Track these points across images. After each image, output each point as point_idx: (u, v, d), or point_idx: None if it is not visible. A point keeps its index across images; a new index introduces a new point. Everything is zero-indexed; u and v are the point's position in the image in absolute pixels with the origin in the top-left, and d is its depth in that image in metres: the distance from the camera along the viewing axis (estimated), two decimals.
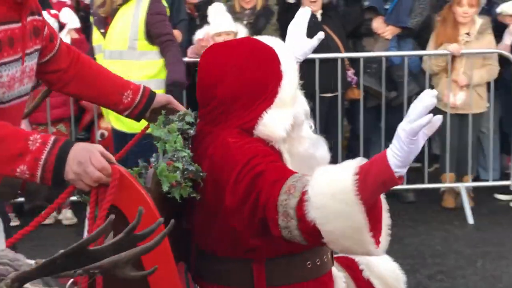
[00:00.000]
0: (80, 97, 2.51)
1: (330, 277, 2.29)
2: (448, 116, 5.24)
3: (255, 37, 2.31)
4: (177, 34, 5.00)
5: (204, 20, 5.20)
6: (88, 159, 1.84)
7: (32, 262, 1.49)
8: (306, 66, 5.18)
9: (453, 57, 5.28)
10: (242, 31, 5.18)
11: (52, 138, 1.86)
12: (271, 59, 2.20)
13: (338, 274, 2.35)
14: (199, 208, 2.11)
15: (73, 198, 5.08)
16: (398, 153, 1.74)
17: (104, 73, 2.48)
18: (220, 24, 5.09)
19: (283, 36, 5.68)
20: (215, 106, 2.18)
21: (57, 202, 1.96)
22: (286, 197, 1.92)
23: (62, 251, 1.39)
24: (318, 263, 2.24)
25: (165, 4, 4.66)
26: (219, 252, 2.16)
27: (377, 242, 1.88)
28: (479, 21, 5.32)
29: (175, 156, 2.08)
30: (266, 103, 2.16)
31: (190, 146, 2.20)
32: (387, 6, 5.51)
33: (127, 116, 2.47)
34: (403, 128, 1.73)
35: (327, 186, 1.87)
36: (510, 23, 5.41)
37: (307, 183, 1.90)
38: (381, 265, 2.47)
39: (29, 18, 2.11)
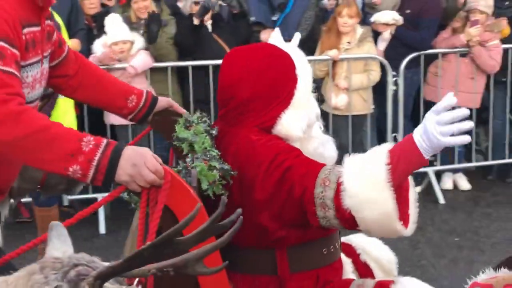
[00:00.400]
0: (88, 103, 2.53)
1: (341, 264, 2.36)
2: (330, 116, 5.47)
3: (270, 43, 2.35)
4: (76, 43, 4.94)
5: (101, 31, 5.20)
6: (142, 162, 1.85)
7: (106, 264, 1.45)
8: (200, 73, 5.30)
9: (334, 63, 5.51)
10: (138, 40, 5.21)
11: (105, 141, 1.86)
12: (288, 63, 2.25)
13: (346, 261, 2.41)
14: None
15: None
16: (428, 143, 1.86)
17: (109, 79, 2.48)
18: (117, 34, 5.13)
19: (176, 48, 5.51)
20: (234, 106, 2.22)
21: (105, 199, 1.99)
22: (322, 189, 1.98)
23: (149, 242, 1.38)
24: (332, 250, 2.29)
25: (59, 21, 4.55)
26: (244, 243, 2.14)
27: (406, 223, 1.97)
28: (360, 30, 5.58)
29: (208, 155, 2.10)
30: (284, 105, 2.20)
31: (214, 146, 2.22)
32: (274, 18, 5.67)
33: (131, 120, 2.48)
34: (432, 121, 1.84)
35: (360, 175, 1.94)
36: (383, 30, 5.73)
37: (340, 174, 1.97)
38: (376, 249, 2.55)
39: (46, 22, 2.11)
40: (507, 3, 5.97)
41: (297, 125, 2.19)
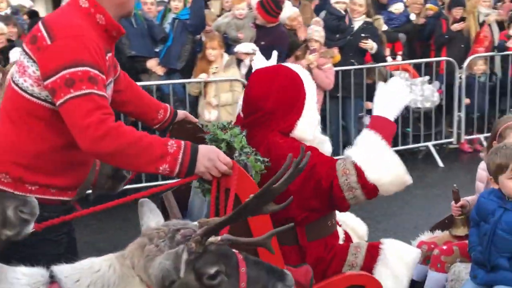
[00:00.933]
0: (129, 114, 2.69)
1: (337, 232, 2.67)
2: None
3: (284, 64, 2.67)
4: None
5: (7, 61, 5.39)
6: (216, 157, 2.06)
7: (195, 223, 1.52)
8: None
9: (206, 84, 6.17)
10: None
11: (183, 142, 2.06)
12: (299, 81, 2.52)
13: (340, 229, 2.72)
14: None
15: None
16: (395, 111, 2.38)
17: (146, 95, 2.69)
18: None
19: None
20: (261, 115, 2.48)
21: (178, 182, 2.19)
22: (345, 178, 2.28)
23: (252, 195, 1.49)
24: (334, 222, 2.61)
25: None
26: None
27: None
28: (226, 58, 6.27)
29: (248, 151, 2.28)
30: (298, 114, 2.47)
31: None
32: (157, 49, 6.20)
33: (157, 128, 2.70)
34: (392, 91, 2.38)
35: (371, 155, 2.29)
36: (244, 58, 6.41)
37: (355, 162, 2.30)
38: (352, 221, 2.88)
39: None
40: (337, 36, 6.94)
41: (309, 130, 2.49)
